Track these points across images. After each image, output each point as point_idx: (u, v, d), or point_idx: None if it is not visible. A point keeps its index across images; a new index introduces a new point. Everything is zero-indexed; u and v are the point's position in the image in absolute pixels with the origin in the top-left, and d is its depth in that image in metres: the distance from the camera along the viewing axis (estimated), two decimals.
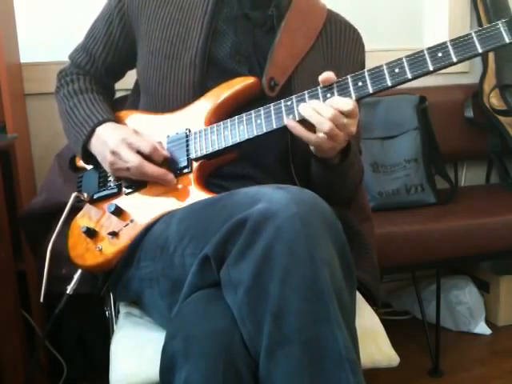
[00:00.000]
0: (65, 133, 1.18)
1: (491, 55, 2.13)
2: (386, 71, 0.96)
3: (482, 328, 2.06)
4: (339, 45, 1.18)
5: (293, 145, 1.09)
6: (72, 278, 1.11)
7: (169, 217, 1.01)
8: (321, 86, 0.99)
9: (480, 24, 2.19)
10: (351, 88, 0.98)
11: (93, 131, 1.10)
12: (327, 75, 0.98)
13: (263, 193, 0.86)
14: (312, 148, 1.01)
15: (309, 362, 0.76)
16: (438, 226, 1.75)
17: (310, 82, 1.03)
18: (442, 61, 0.94)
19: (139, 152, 1.04)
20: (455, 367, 1.84)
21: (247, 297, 0.80)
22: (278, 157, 1.10)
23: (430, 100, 2.01)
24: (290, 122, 0.98)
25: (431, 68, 0.95)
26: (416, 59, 0.96)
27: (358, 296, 1.13)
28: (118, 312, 1.19)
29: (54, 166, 1.29)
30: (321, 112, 0.95)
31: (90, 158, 1.13)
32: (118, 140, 1.05)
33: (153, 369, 0.87)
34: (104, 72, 1.22)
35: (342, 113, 0.95)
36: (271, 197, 0.84)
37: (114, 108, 1.22)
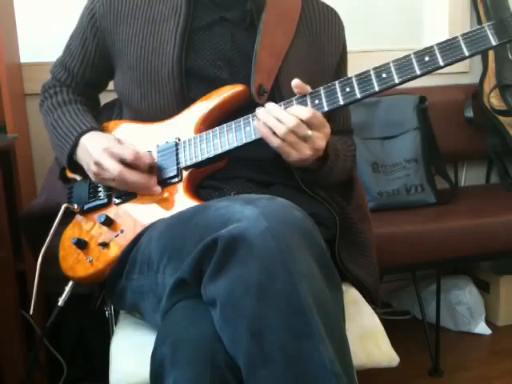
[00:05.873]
0: (52, 146, 1.18)
1: (491, 55, 2.13)
2: (373, 76, 0.96)
3: (482, 328, 2.06)
4: (320, 27, 1.17)
5: None
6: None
7: (151, 229, 1.00)
8: (296, 94, 1.00)
9: (480, 24, 2.18)
10: (339, 94, 0.98)
11: (77, 142, 1.09)
12: (297, 83, 0.98)
13: (233, 211, 0.85)
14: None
15: (294, 378, 0.75)
16: (438, 226, 1.75)
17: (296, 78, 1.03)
18: (429, 65, 0.94)
19: (122, 161, 1.03)
20: (455, 367, 1.84)
21: (222, 313, 0.79)
22: (273, 154, 1.07)
23: (430, 100, 2.01)
24: (257, 123, 0.99)
25: (418, 72, 0.95)
26: (403, 64, 0.95)
27: (358, 296, 1.13)
28: (117, 312, 1.19)
29: (54, 166, 1.29)
30: (281, 118, 0.95)
31: (77, 168, 1.12)
32: (100, 150, 1.04)
33: None
34: (84, 86, 1.23)
35: (302, 121, 0.94)
36: (241, 215, 0.83)
37: (105, 111, 1.23)
